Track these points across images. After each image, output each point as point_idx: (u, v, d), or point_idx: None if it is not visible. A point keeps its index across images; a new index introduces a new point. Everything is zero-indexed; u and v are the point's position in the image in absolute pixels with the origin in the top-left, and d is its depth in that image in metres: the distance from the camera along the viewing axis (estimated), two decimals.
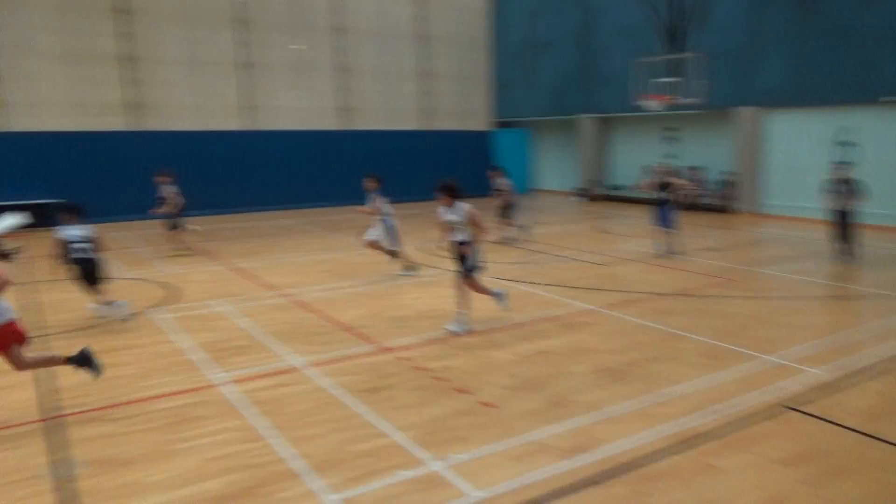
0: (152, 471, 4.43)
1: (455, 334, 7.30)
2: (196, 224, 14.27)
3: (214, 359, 6.62)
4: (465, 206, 7.30)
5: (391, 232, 10.53)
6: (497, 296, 7.79)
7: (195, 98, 19.28)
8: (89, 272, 8.03)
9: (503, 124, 25.33)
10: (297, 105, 20.99)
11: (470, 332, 7.34)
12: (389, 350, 6.83)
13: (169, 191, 12.34)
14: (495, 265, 10.72)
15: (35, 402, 5.63)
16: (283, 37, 20.54)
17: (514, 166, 22.10)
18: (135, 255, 12.74)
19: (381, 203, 10.44)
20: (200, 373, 6.26)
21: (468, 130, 24.43)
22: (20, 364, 5.28)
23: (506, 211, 13.71)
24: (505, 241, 13.39)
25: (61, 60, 17.27)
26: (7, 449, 4.78)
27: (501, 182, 13.79)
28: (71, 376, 6.09)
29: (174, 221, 12.50)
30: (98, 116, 17.91)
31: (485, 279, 8.33)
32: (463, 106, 24.51)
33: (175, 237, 12.67)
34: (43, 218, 16.19)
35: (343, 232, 15.52)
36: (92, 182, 17.46)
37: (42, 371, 6.30)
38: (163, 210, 12.39)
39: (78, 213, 8.13)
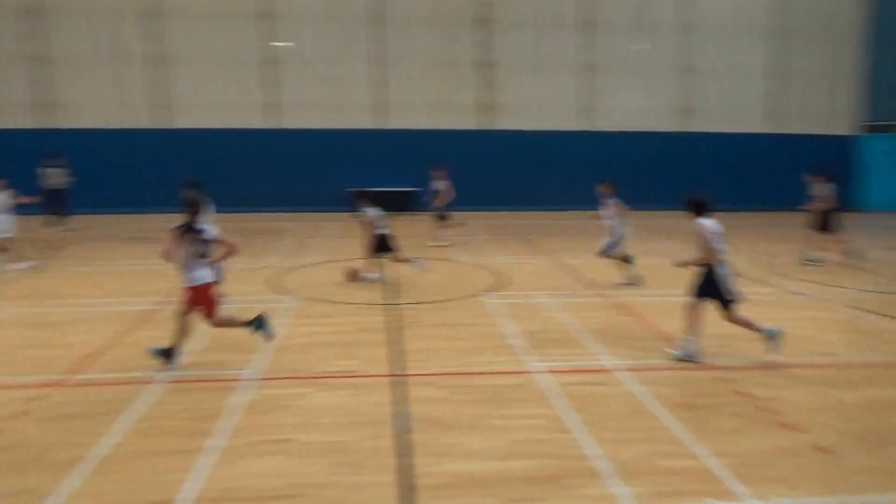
0: (472, 439, 4.89)
1: (681, 360, 6.54)
2: (462, 219, 14.83)
3: (533, 347, 6.99)
4: (695, 226, 6.45)
5: (618, 239, 9.95)
6: (769, 334, 6.51)
7: (538, 98, 20.40)
8: (385, 244, 10.11)
9: (876, 128, 21.62)
10: (634, 105, 20.80)
11: (699, 364, 6.48)
12: (710, 368, 6.43)
13: (442, 185, 13.47)
14: (836, 289, 9.32)
15: (385, 358, 6.62)
16: (626, 37, 20.49)
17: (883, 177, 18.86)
18: (476, 243, 14.07)
19: (617, 209, 9.92)
20: (519, 358, 6.67)
21: (825, 135, 21.41)
22: (215, 321, 6.39)
23: (825, 224, 11.64)
24: (815, 262, 11.60)
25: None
26: (361, 394, 5.71)
27: (822, 189, 11.73)
28: (416, 341, 7.05)
29: (442, 214, 13.51)
30: (453, 115, 20.07)
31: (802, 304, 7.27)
32: (821, 107, 21.56)
33: (441, 229, 13.69)
34: (406, 203, 19.00)
35: (671, 238, 14.98)
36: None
37: (394, 334, 7.39)
38: (435, 202, 13.61)
39: (371, 199, 10.32)
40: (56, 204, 15.84)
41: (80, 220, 16.69)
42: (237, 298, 9.02)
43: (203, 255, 6.27)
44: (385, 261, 10.52)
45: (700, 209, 6.51)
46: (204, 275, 6.25)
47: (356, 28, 19.46)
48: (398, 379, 6.07)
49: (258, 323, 6.51)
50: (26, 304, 8.95)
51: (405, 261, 10.48)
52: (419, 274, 10.40)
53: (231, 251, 6.59)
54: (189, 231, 6.19)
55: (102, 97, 19.01)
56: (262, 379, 6.06)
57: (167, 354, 6.32)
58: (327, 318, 8.16)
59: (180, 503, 4.00)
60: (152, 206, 19.02)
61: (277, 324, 7.77)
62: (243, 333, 7.01)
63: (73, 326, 7.81)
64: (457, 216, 14.06)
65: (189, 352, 6.77)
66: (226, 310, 6.95)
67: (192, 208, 6.30)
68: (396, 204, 17.74)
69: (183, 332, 6.35)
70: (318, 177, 19.64)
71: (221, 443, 4.78)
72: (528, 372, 6.28)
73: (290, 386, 5.89)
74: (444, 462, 4.55)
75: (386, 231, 10.16)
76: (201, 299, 6.26)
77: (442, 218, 13.74)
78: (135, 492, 4.13)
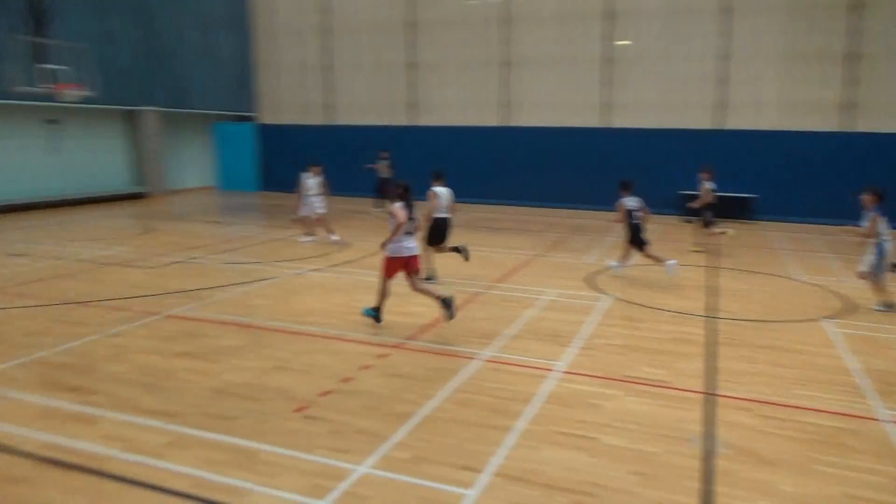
0: (788, 481, 4.38)
1: None
2: (730, 227, 13.62)
3: (880, 390, 5.95)
4: None
5: (883, 258, 8.21)
6: None
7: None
8: (638, 235, 10.21)
9: None
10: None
11: None
12: None
13: (706, 187, 12.59)
14: None
15: (698, 373, 6.27)
16: None
17: None
18: (814, 259, 12.42)
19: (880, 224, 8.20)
20: (862, 400, 5.74)
21: None
22: (415, 288, 7.54)
23: None
24: None
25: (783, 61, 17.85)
26: (669, 406, 5.51)
27: None
28: (733, 361, 6.55)
29: (706, 218, 12.73)
30: (807, 115, 17.85)
31: None
32: None
33: (704, 233, 12.91)
34: (740, 210, 17.59)
35: None
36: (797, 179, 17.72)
37: (709, 348, 6.97)
38: (697, 204, 12.81)
39: (629, 188, 10.35)
40: (381, 190, 18.71)
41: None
42: (555, 292, 9.40)
43: (409, 233, 7.49)
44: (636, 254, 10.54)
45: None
46: (409, 248, 7.49)
47: (701, 22, 18.44)
48: (709, 397, 5.71)
49: (446, 302, 7.31)
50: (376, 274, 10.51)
51: (656, 259, 10.25)
52: (670, 278, 10.08)
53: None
54: (407, 208, 7.48)
55: (456, 97, 21.27)
56: (572, 373, 6.23)
57: (376, 313, 7.64)
58: (641, 322, 8.01)
59: (485, 474, 4.36)
60: (488, 198, 20.74)
61: (591, 322, 7.91)
62: (562, 326, 7.30)
63: (414, 298, 8.94)
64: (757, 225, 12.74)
65: (504, 336, 7.29)
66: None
67: (407, 193, 7.62)
68: (729, 210, 16.51)
69: (386, 291, 7.63)
70: (648, 177, 19.23)
71: (526, 426, 5.06)
72: (872, 419, 5.38)
73: (597, 385, 5.96)
74: (752, 499, 4.17)
75: (639, 223, 10.27)
76: (403, 267, 7.50)
77: (706, 223, 12.84)
78: (448, 454, 4.62)
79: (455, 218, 10.36)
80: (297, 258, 11.77)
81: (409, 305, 8.54)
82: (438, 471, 4.38)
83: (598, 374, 6.21)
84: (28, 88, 15.17)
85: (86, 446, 4.67)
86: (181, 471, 4.34)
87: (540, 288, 9.65)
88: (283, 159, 23.53)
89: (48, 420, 5.11)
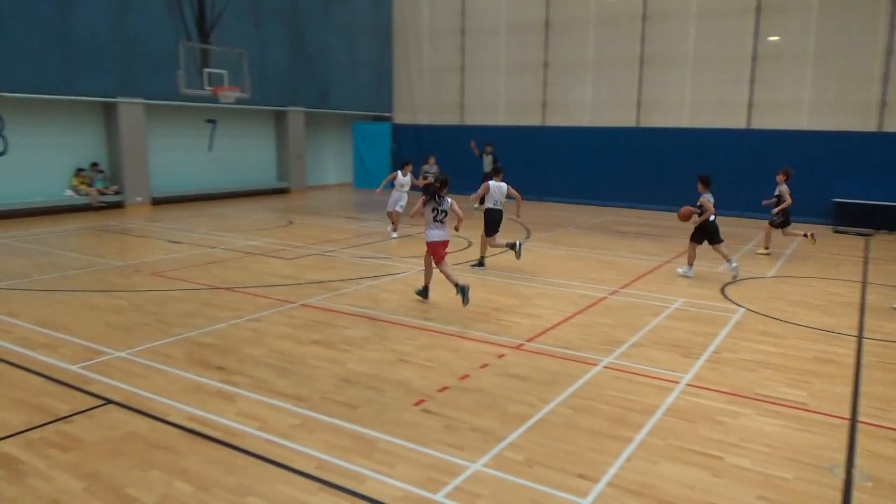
0: None
1: None
2: (807, 230, 13.08)
3: None
4: None
5: None
6: None
7: None
8: (713, 234, 10.36)
9: None
10: None
11: None
12: None
13: (782, 189, 12.33)
14: None
15: (838, 397, 5.77)
16: None
17: None
18: None
19: None
20: None
21: None
22: (440, 268, 8.48)
23: None
24: None
25: None
26: (804, 430, 5.11)
27: None
28: (881, 385, 5.97)
29: (781, 220, 12.45)
30: None
31: None
32: None
33: (776, 234, 12.77)
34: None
35: None
36: None
37: (852, 370, 6.39)
38: (773, 205, 12.48)
39: (708, 183, 10.48)
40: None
41: (556, 208, 18.76)
42: (683, 300, 9.00)
43: (438, 220, 8.51)
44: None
45: None
46: (438, 234, 8.51)
47: (862, 15, 16.82)
48: (849, 423, 5.23)
49: (461, 290, 8.18)
50: (501, 274, 10.55)
51: (724, 257, 10.48)
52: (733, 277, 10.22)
53: (460, 221, 8.76)
54: (432, 201, 8.43)
55: (589, 97, 20.84)
56: (697, 387, 5.94)
57: (424, 292, 8.75)
58: (778, 338, 7.48)
59: (600, 483, 4.27)
60: (618, 201, 20.19)
61: (721, 334, 7.51)
62: (689, 336, 7.01)
63: (535, 300, 8.92)
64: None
65: (628, 343, 7.09)
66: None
67: (442, 186, 8.50)
68: (889, 220, 15.01)
69: (428, 273, 8.77)
70: (798, 183, 17.87)
71: (646, 438, 4.90)
72: None
73: (724, 401, 5.65)
74: None
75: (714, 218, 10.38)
76: (432, 251, 8.53)
77: (781, 225, 12.53)
78: (563, 459, 4.56)
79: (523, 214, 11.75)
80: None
81: (531, 307, 8.52)
82: (552, 476, 4.34)
83: (726, 390, 5.88)
84: (194, 90, 16.64)
85: (224, 422, 5.07)
86: (307, 452, 4.60)
87: (667, 295, 9.27)
88: (415, 158, 24.17)
89: (193, 395, 5.60)
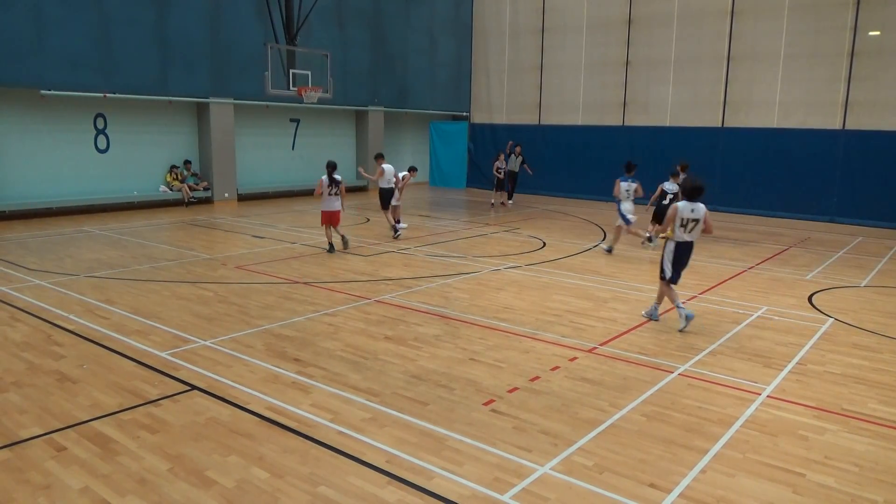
0: None
1: None
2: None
3: None
4: None
5: None
6: None
7: None
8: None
9: None
10: None
11: None
12: None
13: None
14: None
15: None
16: None
17: None
18: None
19: None
20: None
21: None
22: (335, 229, 12.11)
23: None
24: None
25: None
26: (893, 449, 4.82)
27: None
28: None
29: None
30: None
31: None
32: None
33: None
34: None
35: None
36: None
37: None
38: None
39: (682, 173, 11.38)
40: (511, 182, 20.28)
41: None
42: (768, 308, 8.63)
43: (331, 195, 11.85)
44: None
45: None
46: (332, 205, 11.91)
47: None
48: None
49: (344, 241, 12.13)
50: (576, 276, 10.41)
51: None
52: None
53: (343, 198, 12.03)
54: (330, 179, 11.84)
55: (672, 96, 20.23)
56: (780, 399, 5.69)
57: (330, 248, 11.98)
58: (871, 351, 7.07)
59: (673, 494, 4.16)
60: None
61: (808, 345, 7.16)
62: (772, 346, 6.75)
63: (610, 304, 8.76)
64: None
65: (707, 351, 6.86)
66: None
67: (331, 169, 11.94)
68: None
69: (328, 234, 12.05)
70: (885, 185, 16.84)
71: (722, 450, 4.73)
72: None
73: (809, 415, 5.38)
74: None
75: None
76: (329, 219, 11.94)
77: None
78: (634, 468, 4.47)
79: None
80: (497, 255, 12.06)
81: (605, 311, 8.38)
82: (622, 483, 4.26)
83: (811, 404, 5.60)
84: (280, 91, 17.25)
85: (300, 412, 5.25)
86: (377, 446, 4.70)
87: (751, 303, 8.91)
88: (491, 158, 24.19)
89: (272, 385, 5.82)
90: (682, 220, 7.68)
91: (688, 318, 7.49)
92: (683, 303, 7.89)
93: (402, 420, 5.14)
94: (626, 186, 12.11)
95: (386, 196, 13.91)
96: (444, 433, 4.92)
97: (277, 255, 11.75)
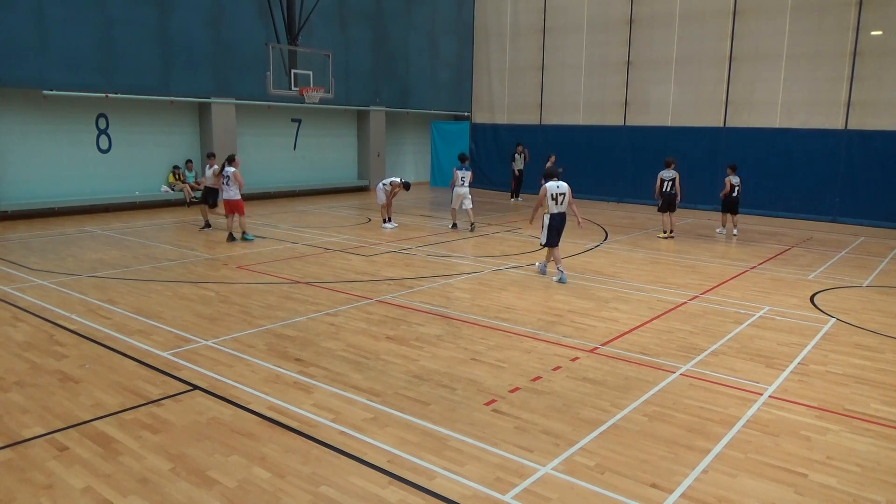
0: None
1: None
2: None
3: None
4: None
5: None
6: None
7: None
8: (671, 203, 13.85)
9: None
10: None
11: None
12: None
13: None
14: None
15: None
16: None
17: None
18: None
19: None
20: None
21: None
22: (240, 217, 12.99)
23: None
24: None
25: None
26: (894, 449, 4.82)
27: None
28: None
29: None
30: None
31: None
32: None
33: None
34: None
35: None
36: None
37: None
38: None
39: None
40: (517, 181, 21.14)
41: (635, 210, 18.26)
42: (770, 308, 8.62)
43: (224, 185, 12.82)
44: None
45: None
46: (230, 194, 12.69)
47: None
48: None
49: (207, 225, 13.77)
50: (578, 276, 10.41)
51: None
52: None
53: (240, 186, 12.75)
54: (222, 171, 12.89)
55: (673, 96, 20.21)
56: (782, 399, 5.69)
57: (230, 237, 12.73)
58: (874, 351, 7.05)
59: (674, 495, 4.15)
60: (702, 203, 19.53)
61: (810, 345, 7.15)
62: (774, 346, 6.74)
63: (612, 304, 8.75)
64: None
65: (708, 352, 6.86)
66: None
67: (230, 162, 12.84)
68: None
69: (228, 224, 13.04)
70: (887, 185, 16.80)
71: (724, 450, 4.73)
72: None
73: (811, 416, 5.37)
74: None
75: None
76: (233, 207, 12.75)
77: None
78: (636, 468, 4.47)
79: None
80: (498, 255, 12.06)
81: (607, 311, 8.37)
82: (624, 483, 4.26)
83: (814, 404, 5.59)
84: (282, 91, 17.26)
85: (301, 412, 5.25)
86: (379, 446, 4.70)
87: (753, 303, 8.90)
88: (491, 158, 24.19)
89: (274, 385, 5.82)
90: (552, 195, 9.80)
91: (560, 281, 9.70)
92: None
93: (403, 420, 5.14)
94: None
95: (211, 194, 14.19)
96: (446, 433, 4.92)
97: (279, 255, 11.75)
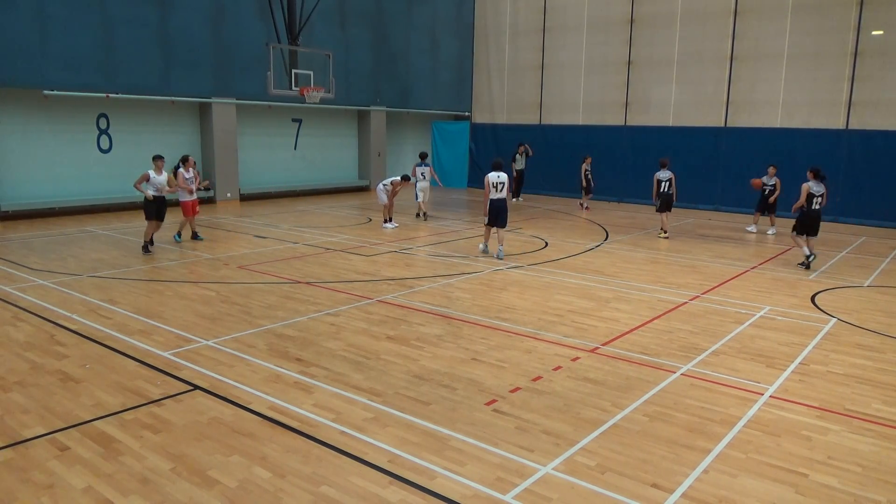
0: None
1: None
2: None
3: None
4: None
5: None
6: None
7: None
8: (668, 203, 14.32)
9: None
10: None
11: None
12: None
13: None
14: None
15: None
16: None
17: None
18: None
19: None
20: None
21: None
22: (190, 219, 12.76)
23: None
24: None
25: None
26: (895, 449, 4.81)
27: None
28: None
29: None
30: None
31: None
32: None
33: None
34: None
35: None
36: None
37: None
38: None
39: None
40: (518, 182, 21.22)
41: (636, 209, 18.23)
42: (770, 308, 8.62)
43: (190, 189, 12.53)
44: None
45: None
46: (188, 197, 12.49)
47: None
48: None
49: (177, 237, 12.97)
50: (578, 276, 10.41)
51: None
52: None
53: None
54: (180, 172, 12.48)
55: (674, 96, 20.19)
56: (782, 399, 5.68)
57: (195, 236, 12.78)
58: (875, 351, 7.05)
59: (675, 495, 4.15)
60: (704, 203, 19.50)
61: (811, 345, 7.14)
62: (775, 346, 6.73)
63: (612, 304, 8.75)
64: None
65: (709, 351, 6.85)
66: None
67: (185, 163, 12.70)
68: None
69: (188, 223, 12.93)
70: (888, 185, 16.77)
71: (725, 450, 4.73)
72: None
73: (812, 416, 5.37)
74: None
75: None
76: (188, 209, 12.62)
77: None
78: (637, 468, 4.46)
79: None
80: None
81: (608, 311, 8.37)
82: (625, 483, 4.26)
83: (815, 404, 5.59)
84: (282, 91, 17.25)
85: (302, 412, 5.25)
86: (379, 446, 4.70)
87: (754, 303, 8.90)
88: (491, 157, 24.15)
89: (274, 384, 5.82)
90: (494, 183, 11.40)
91: (498, 257, 11.39)
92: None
93: (404, 420, 5.14)
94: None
95: (158, 203, 11.83)
96: (447, 433, 4.92)
97: (280, 255, 11.76)
